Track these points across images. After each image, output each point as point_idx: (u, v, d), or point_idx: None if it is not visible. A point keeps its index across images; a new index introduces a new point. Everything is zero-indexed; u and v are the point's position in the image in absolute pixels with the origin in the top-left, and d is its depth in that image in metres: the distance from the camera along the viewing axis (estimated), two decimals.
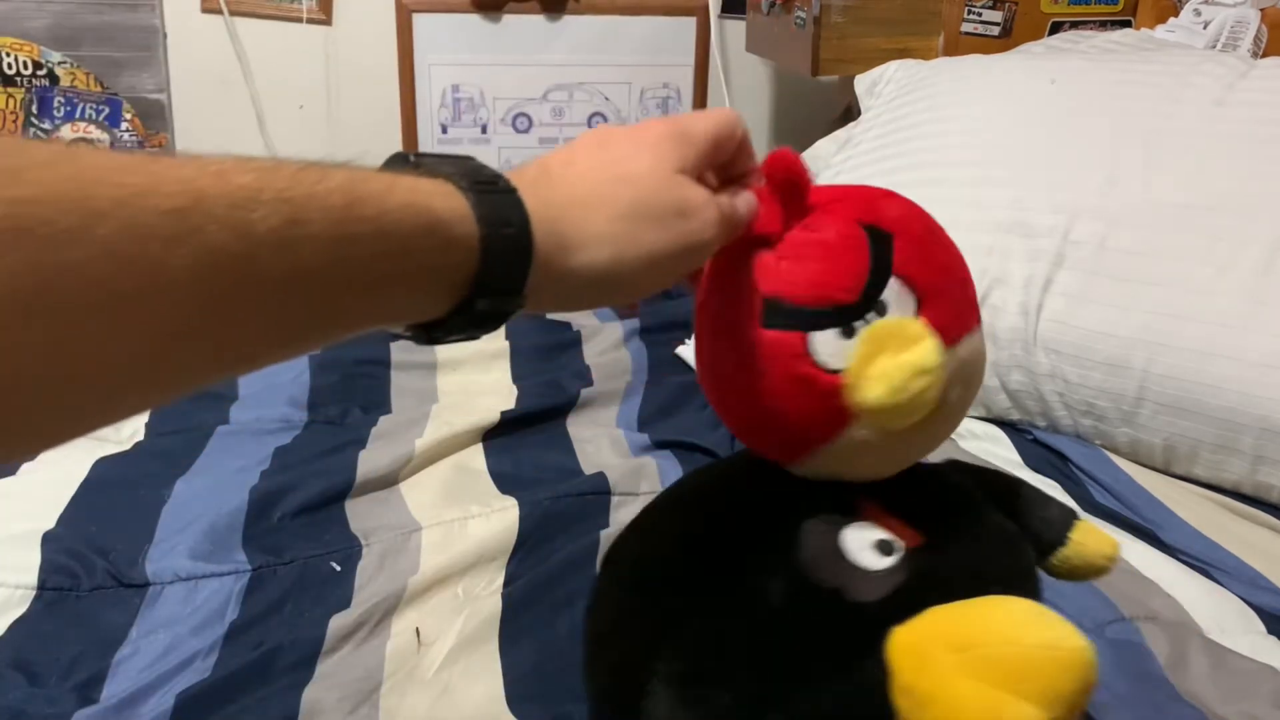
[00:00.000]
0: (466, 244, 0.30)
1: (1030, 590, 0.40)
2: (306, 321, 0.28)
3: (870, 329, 0.36)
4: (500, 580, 0.64)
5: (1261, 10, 1.18)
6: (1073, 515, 0.43)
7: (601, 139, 0.37)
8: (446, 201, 0.30)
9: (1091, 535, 0.42)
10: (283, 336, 0.28)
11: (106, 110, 1.85)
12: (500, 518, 0.70)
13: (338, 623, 0.59)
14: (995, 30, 1.46)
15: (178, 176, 0.25)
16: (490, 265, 0.31)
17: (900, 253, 0.38)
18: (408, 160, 0.34)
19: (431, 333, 0.32)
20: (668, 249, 0.34)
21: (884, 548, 0.37)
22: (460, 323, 0.32)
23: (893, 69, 1.19)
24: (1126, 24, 1.44)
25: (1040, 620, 0.33)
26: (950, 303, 0.38)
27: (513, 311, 0.32)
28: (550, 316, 1.16)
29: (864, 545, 0.37)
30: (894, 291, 0.37)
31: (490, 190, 0.32)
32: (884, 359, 0.36)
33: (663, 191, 0.35)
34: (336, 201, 0.28)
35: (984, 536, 0.40)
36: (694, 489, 0.45)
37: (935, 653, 0.33)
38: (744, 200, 0.39)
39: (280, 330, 0.27)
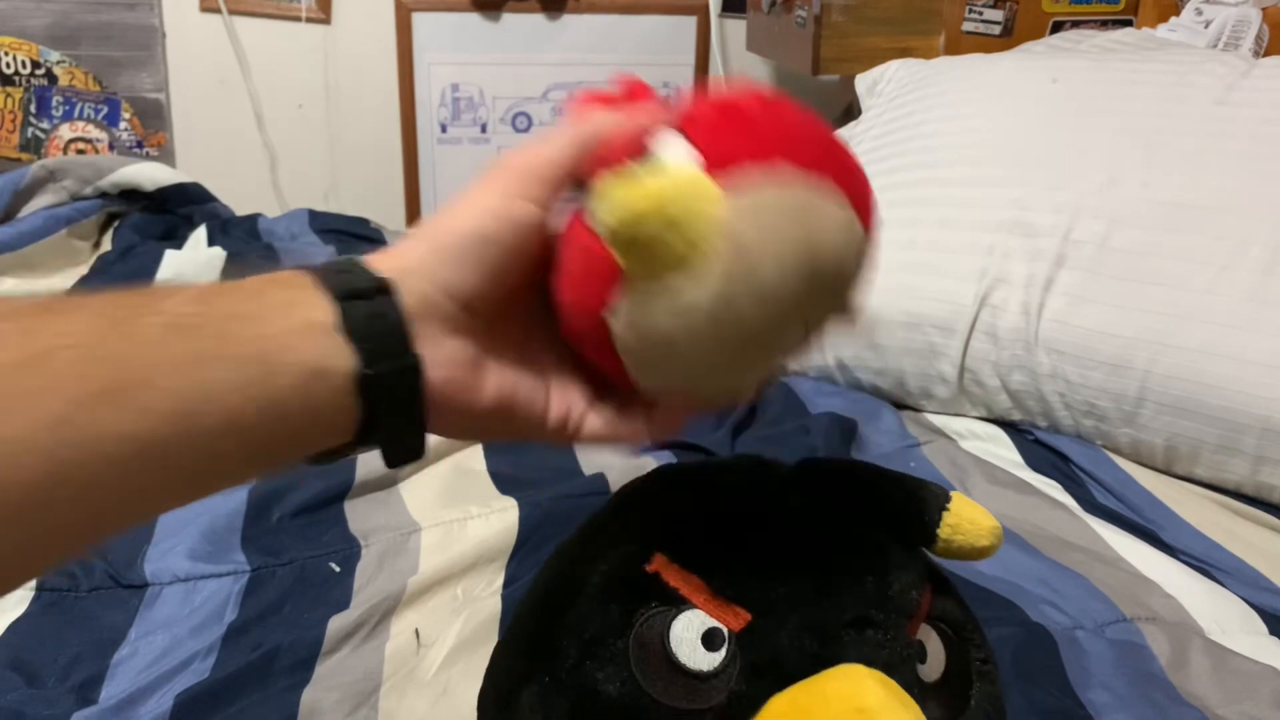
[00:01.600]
0: (349, 408, 0.30)
1: (891, 607, 0.35)
2: (197, 483, 0.28)
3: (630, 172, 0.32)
4: (500, 581, 0.64)
5: (1263, 10, 1.17)
6: (943, 501, 0.38)
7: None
8: (327, 361, 0.29)
9: (962, 526, 0.38)
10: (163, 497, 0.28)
11: (105, 110, 1.85)
12: (500, 518, 0.70)
13: (337, 624, 0.59)
14: (996, 29, 1.46)
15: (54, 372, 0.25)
16: (380, 422, 0.30)
17: (692, 122, 0.35)
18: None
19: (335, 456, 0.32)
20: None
21: (711, 640, 0.34)
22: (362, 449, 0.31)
23: (893, 68, 1.19)
24: (1128, 23, 1.44)
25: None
26: (750, 155, 0.33)
27: (418, 452, 0.32)
28: None
29: (692, 642, 0.34)
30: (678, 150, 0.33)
31: (377, 336, 0.30)
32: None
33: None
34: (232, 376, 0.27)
35: (826, 577, 0.35)
36: (576, 539, 0.42)
37: None
38: None
39: (160, 493, 0.27)
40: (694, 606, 0.34)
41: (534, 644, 0.38)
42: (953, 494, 0.39)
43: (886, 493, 0.39)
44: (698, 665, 0.33)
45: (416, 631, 0.59)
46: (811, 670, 0.32)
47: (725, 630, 0.34)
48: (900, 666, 0.34)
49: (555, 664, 0.36)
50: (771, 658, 0.33)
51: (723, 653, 0.33)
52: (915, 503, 0.38)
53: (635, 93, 0.39)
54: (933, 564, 0.40)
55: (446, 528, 0.69)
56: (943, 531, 0.38)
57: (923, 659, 0.35)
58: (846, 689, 0.31)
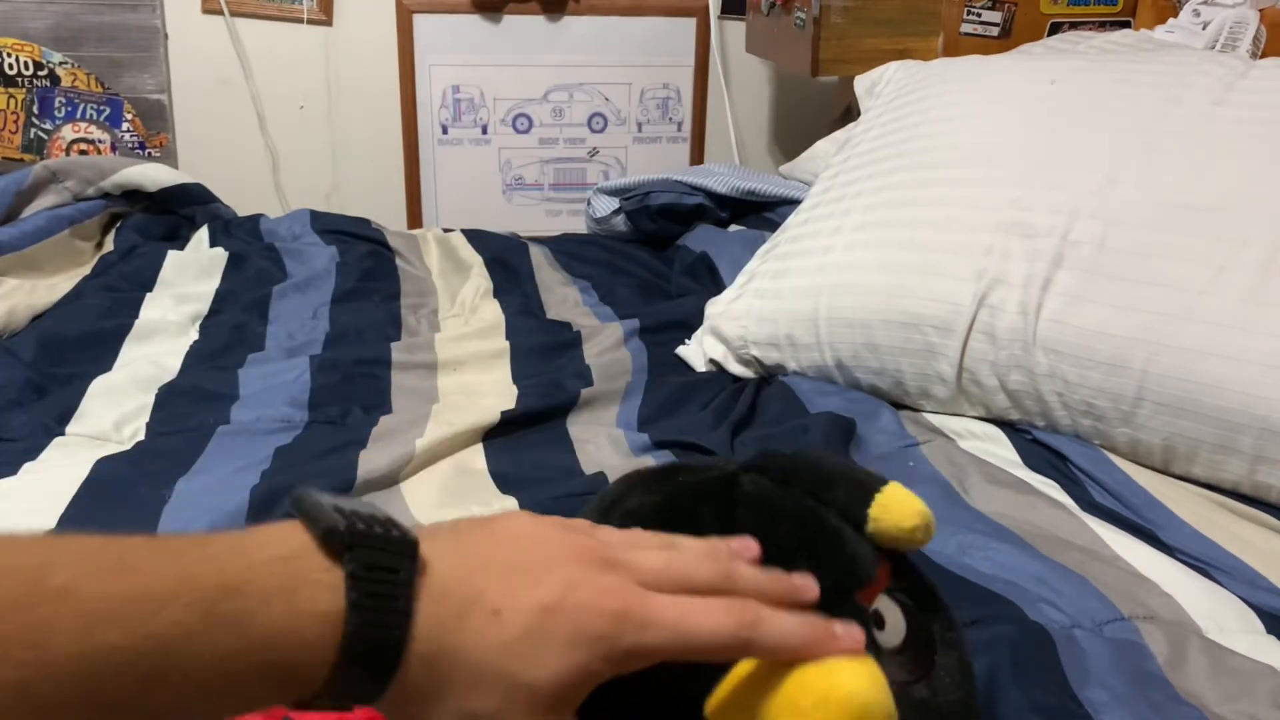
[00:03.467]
0: (316, 683, 0.30)
1: (839, 576, 0.38)
2: None
3: None
4: None
5: (1260, 10, 1.18)
6: (876, 486, 0.40)
7: (556, 600, 0.32)
8: (316, 654, 0.30)
9: (890, 508, 0.40)
10: None
11: (107, 110, 1.85)
12: None
13: None
14: (995, 31, 1.46)
15: (37, 637, 0.25)
16: (346, 674, 0.30)
17: None
18: (341, 538, 0.31)
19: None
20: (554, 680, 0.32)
21: None
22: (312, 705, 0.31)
23: (892, 69, 1.19)
24: (1126, 24, 1.44)
25: (822, 679, 0.32)
26: None
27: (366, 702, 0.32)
28: (550, 317, 1.16)
29: None
30: None
31: (373, 649, 0.30)
32: None
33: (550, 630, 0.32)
34: (206, 659, 0.28)
35: (776, 553, 0.38)
36: None
37: None
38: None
39: None
40: None
41: None
42: (890, 482, 0.41)
43: (827, 478, 0.41)
44: None
45: None
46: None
47: None
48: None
49: None
50: None
51: None
52: (850, 486, 0.40)
53: None
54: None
55: None
56: (872, 511, 0.39)
57: (880, 625, 0.38)
58: (819, 669, 0.33)
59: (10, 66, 1.79)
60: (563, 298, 1.22)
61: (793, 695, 0.32)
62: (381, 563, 0.31)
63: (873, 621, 0.38)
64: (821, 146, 1.44)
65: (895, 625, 0.38)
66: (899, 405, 0.93)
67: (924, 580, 0.42)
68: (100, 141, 1.86)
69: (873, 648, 0.36)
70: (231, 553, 0.30)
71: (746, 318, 0.99)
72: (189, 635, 0.28)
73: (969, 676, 0.40)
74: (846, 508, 0.40)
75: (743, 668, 0.34)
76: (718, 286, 1.17)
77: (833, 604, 0.37)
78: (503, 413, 0.86)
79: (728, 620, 0.32)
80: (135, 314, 1.10)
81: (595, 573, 0.33)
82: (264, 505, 0.71)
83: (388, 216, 1.57)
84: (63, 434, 0.85)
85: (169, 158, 1.89)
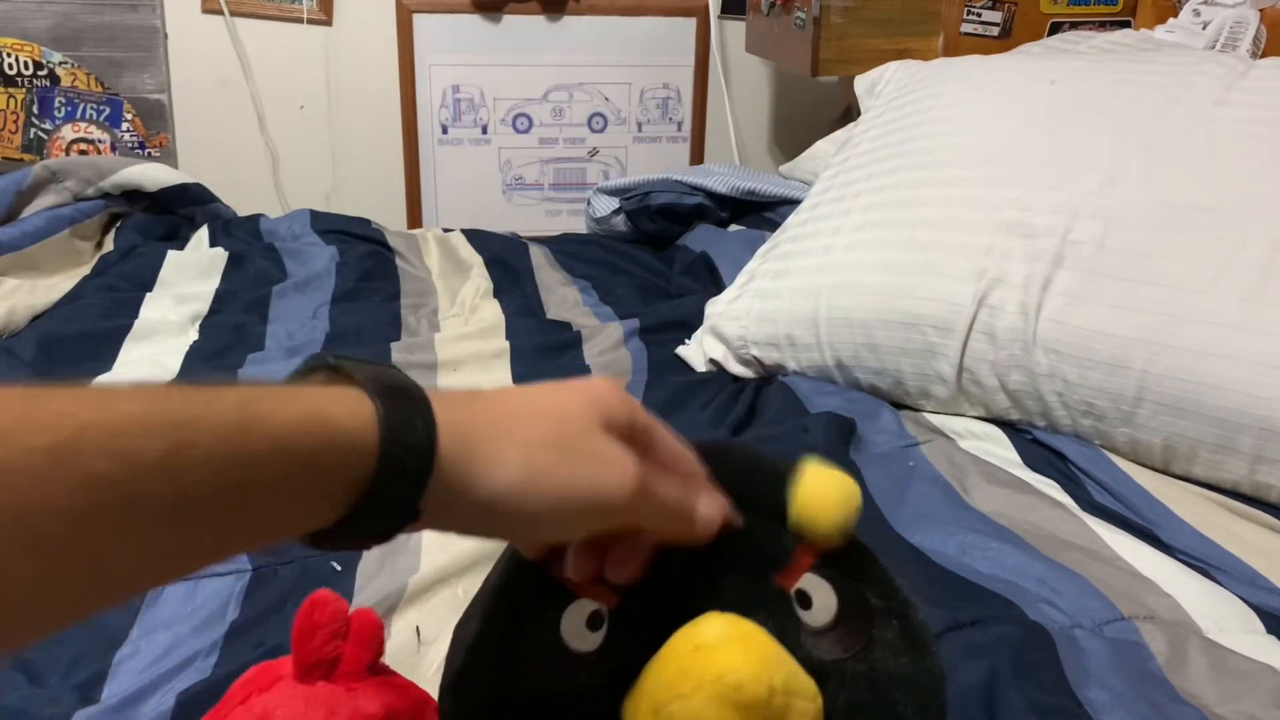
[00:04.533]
0: (365, 452, 0.29)
1: (751, 561, 0.38)
2: (193, 545, 0.27)
3: None
4: None
5: (1260, 10, 1.18)
6: (797, 474, 0.40)
7: (552, 385, 0.36)
8: (348, 407, 0.29)
9: (808, 496, 0.39)
10: (168, 561, 0.27)
11: (107, 110, 1.85)
12: None
13: None
14: (995, 31, 1.46)
15: (54, 410, 0.24)
16: (386, 475, 0.29)
17: None
18: (326, 363, 0.32)
19: (318, 541, 0.31)
20: (575, 493, 0.33)
21: (593, 622, 0.37)
22: (348, 533, 0.30)
23: (892, 69, 1.19)
24: (1126, 24, 1.44)
25: (696, 661, 0.33)
26: None
27: (404, 525, 0.31)
28: (550, 317, 1.16)
29: (579, 628, 0.37)
30: None
31: (400, 396, 0.30)
32: None
33: (584, 435, 0.33)
34: (230, 419, 0.27)
35: (683, 558, 0.38)
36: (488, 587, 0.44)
37: None
38: (707, 499, 0.37)
39: (165, 555, 0.27)
40: (577, 595, 0.38)
41: (455, 651, 0.40)
42: (810, 468, 0.40)
43: (751, 470, 0.41)
44: (583, 646, 0.37)
45: (417, 630, 0.59)
46: (675, 625, 0.36)
47: (603, 610, 0.37)
48: (766, 609, 0.36)
49: (475, 670, 0.39)
50: (639, 626, 0.37)
51: (603, 631, 0.37)
52: (771, 477, 0.40)
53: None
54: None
55: None
56: (795, 511, 0.39)
57: (806, 605, 0.38)
58: (688, 632, 0.35)
59: (10, 66, 1.79)
60: (563, 298, 1.22)
61: (675, 683, 0.33)
62: (392, 379, 0.31)
63: (797, 602, 0.38)
64: (821, 146, 1.44)
65: (824, 603, 0.38)
66: (899, 405, 0.93)
67: (859, 550, 0.41)
68: (100, 141, 1.86)
69: (798, 629, 0.37)
70: (247, 385, 0.30)
71: (746, 318, 0.99)
72: (208, 401, 0.27)
73: (916, 643, 0.39)
74: (767, 504, 0.40)
75: (648, 670, 0.35)
76: (718, 286, 1.17)
77: (749, 591, 0.37)
78: None
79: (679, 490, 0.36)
80: (135, 314, 1.10)
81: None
82: None
83: (388, 216, 1.57)
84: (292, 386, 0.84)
85: (169, 158, 1.89)
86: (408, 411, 0.30)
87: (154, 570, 0.27)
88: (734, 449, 0.44)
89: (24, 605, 0.24)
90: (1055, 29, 1.46)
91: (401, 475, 0.30)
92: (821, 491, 0.39)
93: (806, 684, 0.35)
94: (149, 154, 1.88)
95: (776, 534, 0.39)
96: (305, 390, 0.30)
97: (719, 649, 0.33)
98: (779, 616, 0.36)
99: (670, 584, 0.37)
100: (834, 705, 0.36)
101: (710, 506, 0.38)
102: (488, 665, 0.38)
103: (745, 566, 0.38)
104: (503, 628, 0.39)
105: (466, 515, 0.32)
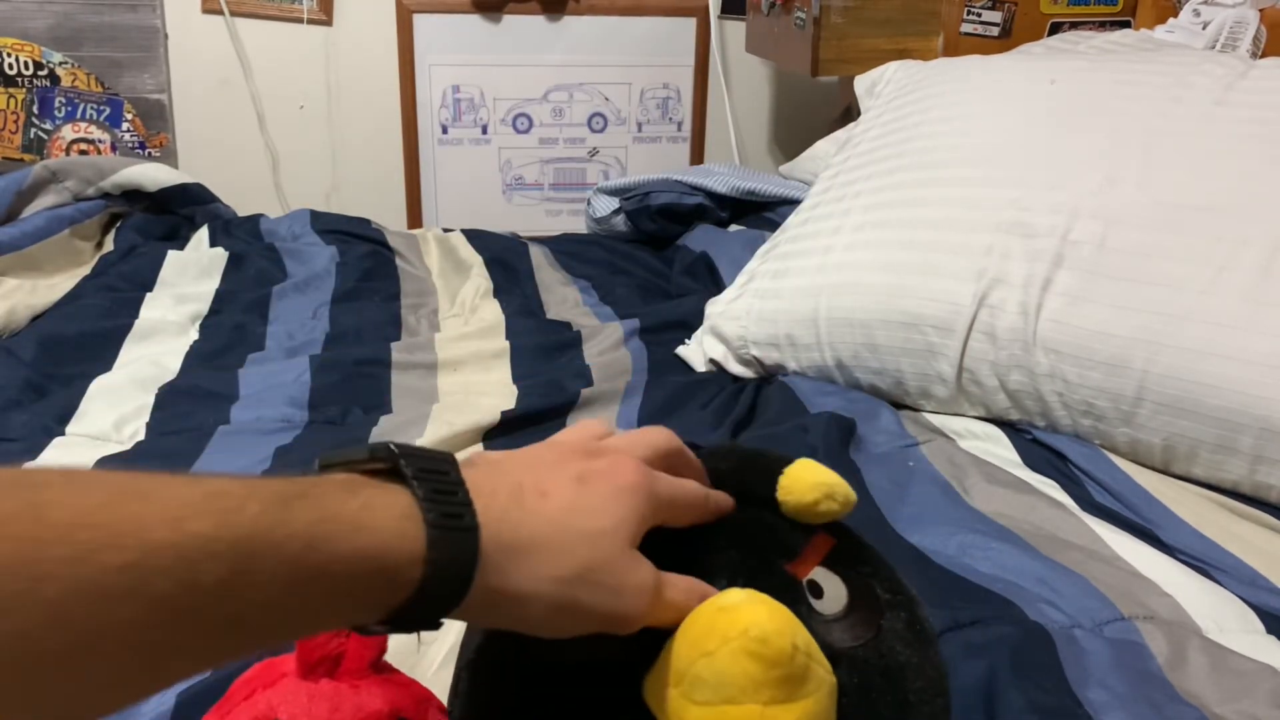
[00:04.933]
0: (410, 582, 0.31)
1: (767, 550, 0.40)
2: (240, 649, 0.29)
3: None
4: None
5: (1260, 10, 1.18)
6: (775, 471, 0.42)
7: (582, 474, 0.36)
8: (403, 543, 0.31)
9: (792, 493, 0.41)
10: (214, 662, 0.29)
11: (107, 110, 1.85)
12: None
13: None
14: (995, 31, 1.46)
15: (134, 527, 0.26)
16: (424, 603, 0.31)
17: None
18: (389, 451, 0.33)
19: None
20: (593, 619, 0.34)
21: None
22: (369, 633, 0.33)
23: (892, 69, 1.19)
24: (1126, 24, 1.44)
25: (721, 618, 0.34)
26: None
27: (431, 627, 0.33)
28: (550, 317, 1.16)
29: None
30: None
31: (453, 528, 0.32)
32: None
33: (615, 563, 0.35)
34: (293, 549, 0.28)
35: (708, 535, 0.40)
36: None
37: (667, 693, 0.35)
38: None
39: (213, 658, 0.28)
40: None
41: (473, 630, 0.42)
42: (797, 460, 0.42)
43: (738, 469, 0.43)
44: None
45: None
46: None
47: None
48: (778, 596, 0.37)
49: (497, 652, 0.39)
50: None
51: None
52: (756, 471, 0.42)
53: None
54: (836, 522, 0.43)
55: None
56: (779, 494, 0.41)
57: (817, 595, 0.39)
58: (713, 601, 0.35)
59: (10, 66, 1.79)
60: (563, 298, 1.22)
61: (700, 642, 0.34)
62: (431, 467, 0.33)
63: (808, 591, 0.39)
64: (821, 146, 1.45)
65: (835, 594, 0.39)
66: (899, 405, 0.93)
67: (867, 550, 0.43)
68: (100, 141, 1.86)
69: (810, 617, 0.37)
70: (286, 478, 0.30)
71: (746, 318, 0.99)
72: (274, 525, 0.28)
73: (922, 636, 0.40)
74: (756, 492, 0.42)
75: (669, 643, 0.36)
76: (718, 286, 1.17)
77: (758, 575, 0.38)
78: (502, 413, 0.86)
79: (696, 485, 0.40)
80: (135, 314, 1.10)
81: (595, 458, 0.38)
82: None
83: (388, 216, 1.57)
84: (63, 434, 0.85)
85: (169, 158, 1.89)
86: (457, 548, 0.32)
87: (200, 669, 0.29)
88: (735, 447, 0.45)
89: (81, 707, 0.25)
90: (1055, 29, 1.46)
91: (438, 602, 0.32)
92: (801, 474, 0.41)
93: (823, 655, 0.36)
94: (149, 154, 1.88)
95: (788, 528, 0.41)
96: (373, 521, 0.30)
97: (743, 607, 0.34)
98: (792, 604, 0.37)
99: (691, 571, 0.38)
100: (846, 687, 0.36)
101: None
102: (508, 642, 0.38)
103: (760, 556, 0.39)
104: None
105: (485, 618, 0.35)
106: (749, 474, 0.43)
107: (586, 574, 0.34)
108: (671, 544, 0.39)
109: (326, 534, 0.29)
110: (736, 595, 0.35)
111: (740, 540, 0.40)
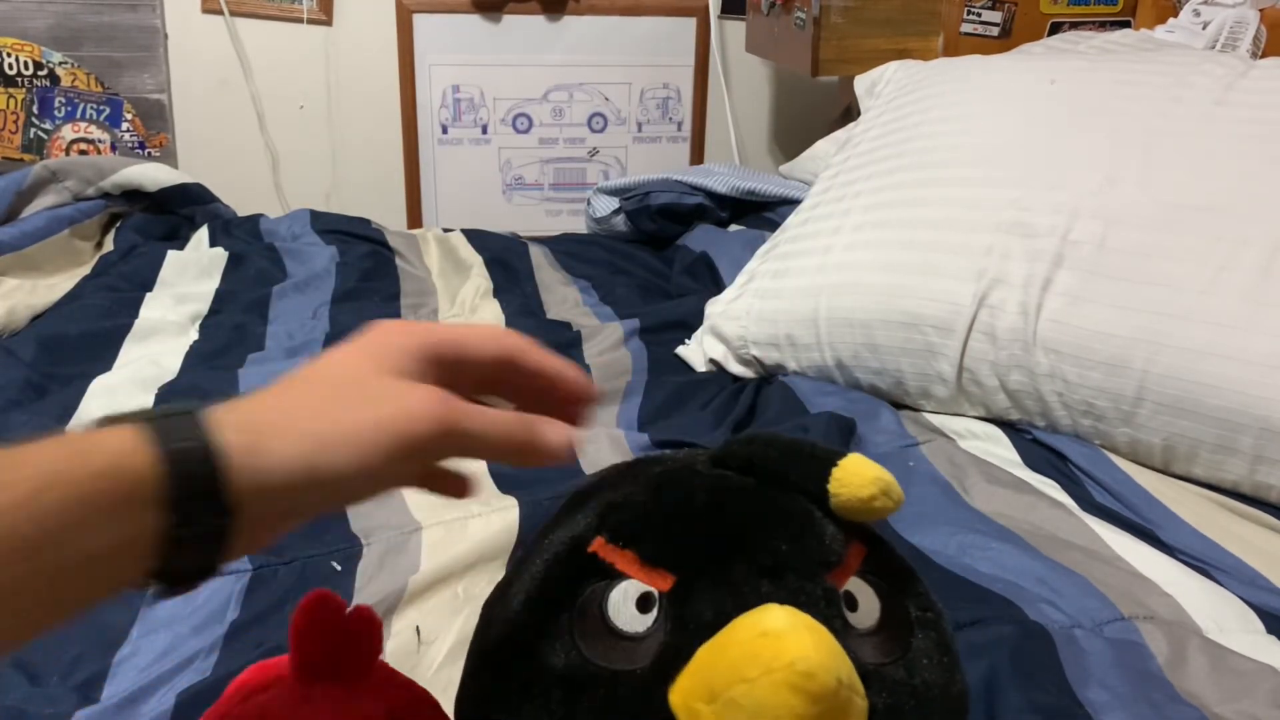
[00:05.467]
0: (146, 472, 0.29)
1: (807, 558, 0.38)
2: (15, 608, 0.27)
3: None
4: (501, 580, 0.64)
5: (1261, 10, 1.18)
6: (828, 464, 0.40)
7: (320, 354, 0.35)
8: (124, 443, 0.29)
9: (846, 480, 0.40)
10: None
11: (107, 110, 1.85)
12: (500, 517, 0.70)
13: None
14: (995, 31, 1.46)
15: None
16: (174, 483, 0.29)
17: None
18: (108, 418, 0.32)
19: (167, 579, 0.31)
20: (369, 436, 0.32)
21: (644, 603, 0.37)
22: (182, 560, 0.30)
23: (892, 69, 1.19)
24: (1126, 24, 1.44)
25: (765, 646, 0.33)
26: None
27: (225, 532, 0.30)
28: (550, 317, 1.16)
29: (627, 607, 0.37)
30: None
31: (171, 415, 0.30)
32: None
33: (364, 383, 0.33)
34: (29, 473, 0.27)
35: (744, 536, 0.39)
36: (535, 536, 0.45)
37: (697, 708, 0.34)
38: (544, 425, 0.36)
39: None
40: (628, 577, 0.38)
41: (489, 629, 0.41)
42: (849, 454, 0.41)
43: (785, 460, 0.41)
44: (633, 628, 0.36)
45: (418, 629, 0.59)
46: (732, 616, 0.35)
47: (656, 592, 0.37)
48: (817, 608, 0.36)
49: (511, 647, 0.39)
50: (695, 610, 0.36)
51: (654, 613, 0.37)
52: (807, 463, 0.41)
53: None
54: (868, 529, 0.42)
55: (447, 526, 0.70)
56: (831, 486, 0.40)
57: (852, 607, 0.38)
58: (753, 618, 0.34)
59: (10, 66, 1.79)
60: (563, 298, 1.22)
61: (740, 667, 0.33)
62: (167, 409, 0.31)
63: (844, 603, 0.38)
64: (821, 146, 1.45)
65: (869, 607, 0.38)
66: (899, 405, 0.93)
67: (899, 561, 0.42)
68: (100, 141, 1.86)
69: (844, 631, 0.37)
70: (24, 445, 0.29)
71: (746, 318, 0.99)
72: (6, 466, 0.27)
73: (950, 656, 0.40)
74: (806, 486, 0.40)
75: (703, 653, 0.35)
76: (718, 286, 1.17)
77: (803, 587, 0.37)
78: None
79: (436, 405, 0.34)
80: (135, 314, 1.10)
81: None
82: None
83: (388, 216, 1.57)
84: (63, 434, 0.85)
85: (169, 158, 1.89)
86: (180, 425, 0.30)
87: None
88: (778, 436, 0.43)
89: None
90: (1055, 29, 1.46)
91: (189, 480, 0.29)
92: (857, 468, 0.40)
93: (860, 684, 0.35)
94: (149, 154, 1.88)
95: (832, 530, 0.40)
96: (99, 441, 0.29)
97: (789, 636, 0.33)
98: (828, 617, 0.36)
99: (727, 573, 0.37)
100: (876, 707, 0.35)
101: (555, 430, 0.37)
102: (529, 637, 0.38)
103: (801, 562, 0.38)
104: (546, 603, 0.39)
105: (282, 501, 0.31)
106: (798, 464, 0.41)
107: (335, 397, 0.32)
108: (715, 522, 0.38)
109: (56, 456, 0.28)
110: (780, 619, 0.33)
111: (790, 535, 0.39)
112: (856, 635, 0.37)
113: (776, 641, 0.32)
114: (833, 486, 0.39)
